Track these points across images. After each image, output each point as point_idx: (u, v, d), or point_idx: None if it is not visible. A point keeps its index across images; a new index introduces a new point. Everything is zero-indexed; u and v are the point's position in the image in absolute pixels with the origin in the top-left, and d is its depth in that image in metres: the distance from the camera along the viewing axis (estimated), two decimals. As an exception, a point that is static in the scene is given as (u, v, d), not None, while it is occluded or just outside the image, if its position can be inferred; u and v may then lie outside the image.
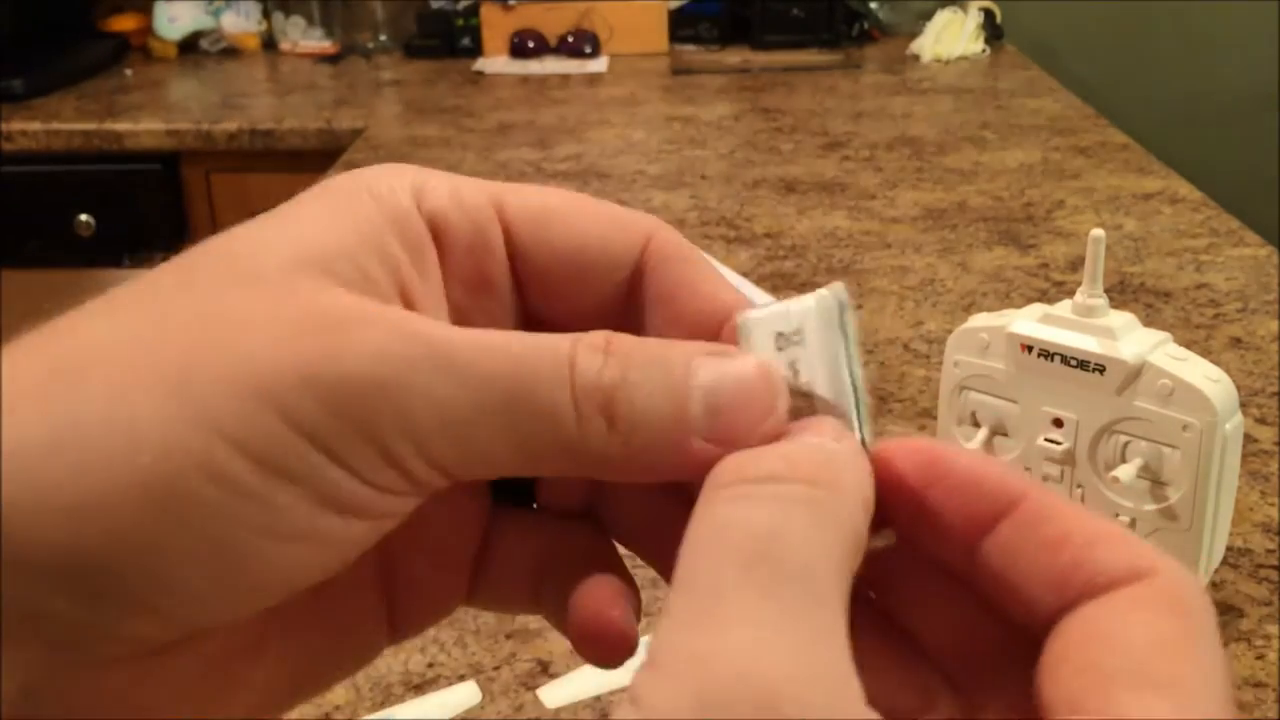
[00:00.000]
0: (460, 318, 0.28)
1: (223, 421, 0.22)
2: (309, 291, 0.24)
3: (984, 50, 2.11)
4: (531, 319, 0.29)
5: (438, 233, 0.27)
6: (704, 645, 0.20)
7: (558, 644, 0.66)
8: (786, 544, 0.21)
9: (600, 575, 0.29)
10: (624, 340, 0.25)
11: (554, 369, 0.24)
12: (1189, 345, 0.74)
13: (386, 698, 0.64)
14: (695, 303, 0.28)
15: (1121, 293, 1.11)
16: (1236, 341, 1.00)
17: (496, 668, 0.66)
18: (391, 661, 0.66)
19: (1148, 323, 0.68)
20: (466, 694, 0.64)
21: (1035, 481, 0.25)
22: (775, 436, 0.25)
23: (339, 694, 0.65)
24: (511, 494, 0.31)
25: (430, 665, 0.66)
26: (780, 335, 0.26)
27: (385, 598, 0.29)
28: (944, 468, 0.25)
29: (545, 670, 0.65)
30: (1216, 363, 0.62)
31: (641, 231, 0.29)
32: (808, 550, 0.21)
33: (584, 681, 0.64)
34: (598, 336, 0.25)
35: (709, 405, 0.25)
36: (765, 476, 0.23)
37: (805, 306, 0.26)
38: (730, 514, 0.22)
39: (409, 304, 0.26)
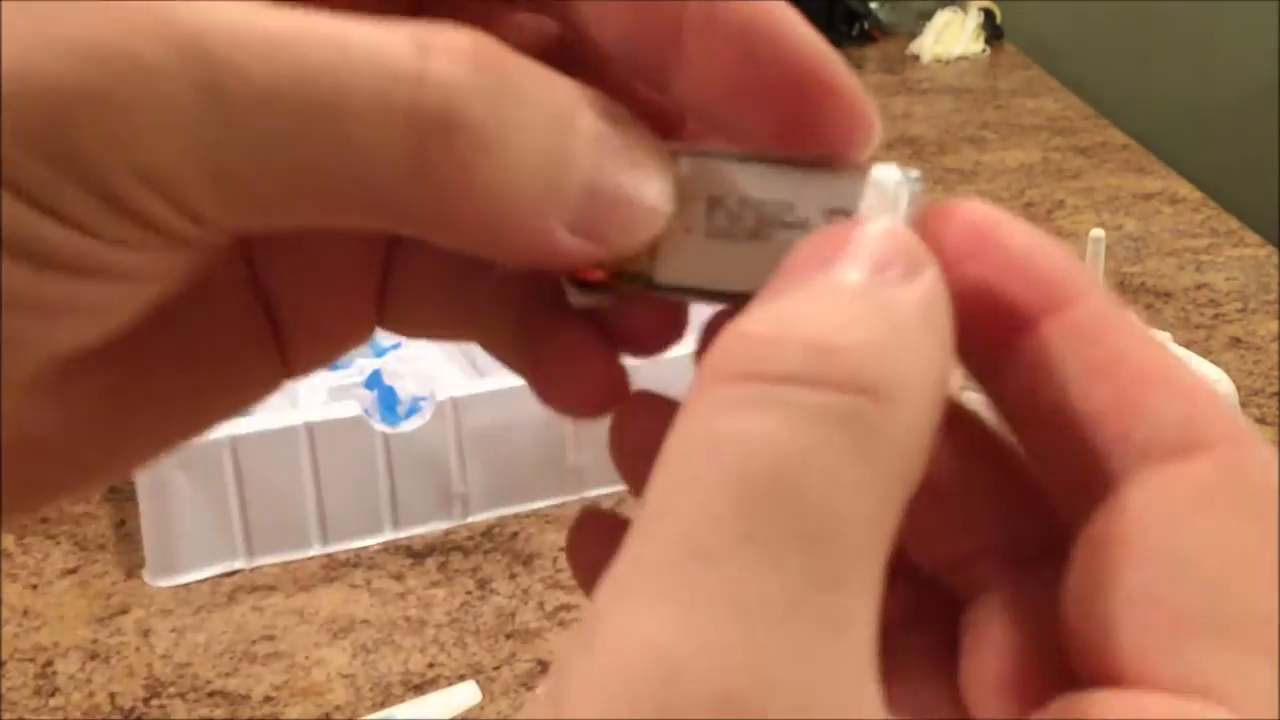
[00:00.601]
0: None
1: None
2: None
3: (984, 50, 2.11)
4: None
5: None
6: (662, 628, 0.14)
7: (558, 644, 0.66)
8: (805, 486, 0.15)
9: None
10: (500, 55, 0.18)
11: (383, 83, 0.17)
12: (1189, 345, 0.74)
13: (386, 698, 0.64)
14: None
15: (1121, 293, 1.11)
16: (1236, 341, 1.00)
17: (496, 668, 0.66)
18: (391, 662, 0.66)
19: (1148, 323, 0.68)
20: (466, 694, 0.64)
21: (1101, 285, 0.19)
22: (646, 244, 0.19)
23: (338, 694, 0.65)
24: None
25: (430, 665, 0.66)
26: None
27: (271, 328, 0.23)
28: (994, 239, 0.19)
29: (545, 670, 0.65)
30: (1216, 363, 0.62)
31: None
32: (836, 498, 0.15)
33: (584, 681, 0.64)
34: (462, 39, 0.17)
35: (593, 186, 0.18)
36: (788, 377, 0.16)
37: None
38: (729, 428, 0.15)
39: None
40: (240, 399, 0.23)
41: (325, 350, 0.24)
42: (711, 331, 0.22)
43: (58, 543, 0.77)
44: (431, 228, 0.18)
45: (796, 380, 0.16)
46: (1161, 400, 0.17)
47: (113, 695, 0.66)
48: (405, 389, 0.77)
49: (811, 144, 0.20)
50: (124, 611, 0.71)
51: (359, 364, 0.82)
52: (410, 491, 0.76)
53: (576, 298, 0.22)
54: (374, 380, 0.79)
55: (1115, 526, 0.17)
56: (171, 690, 0.66)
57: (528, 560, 0.74)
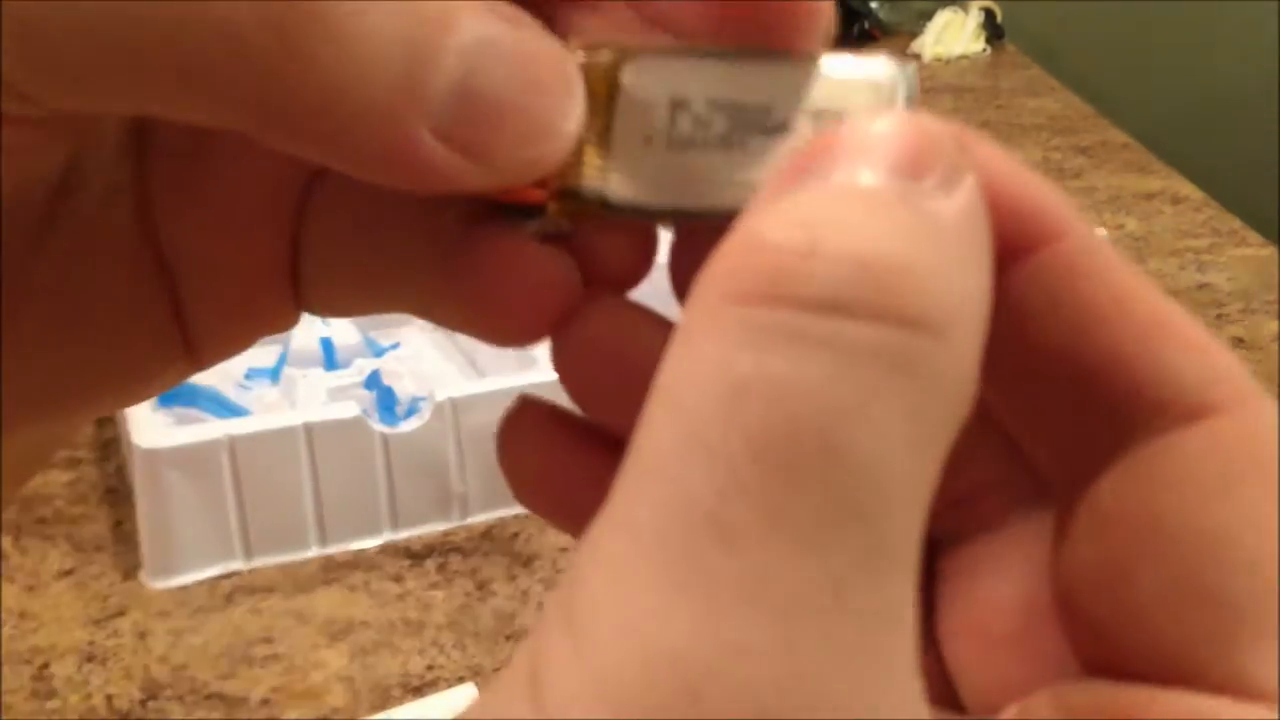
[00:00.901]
0: None
1: None
2: None
3: (985, 50, 2.10)
4: None
5: None
6: (676, 629, 0.12)
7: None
8: (853, 450, 0.12)
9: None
10: None
11: None
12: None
13: (385, 700, 0.64)
14: None
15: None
16: (1239, 342, 1.00)
17: (496, 670, 0.65)
18: (390, 664, 0.66)
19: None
20: (466, 697, 0.64)
21: (1090, 227, 0.16)
22: (546, 165, 0.17)
23: (337, 697, 0.64)
24: None
25: (429, 668, 0.66)
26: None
27: (170, 301, 0.21)
28: (980, 164, 0.15)
29: (545, 672, 0.65)
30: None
31: None
32: (886, 465, 0.12)
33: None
34: None
35: (460, 87, 0.16)
36: (830, 303, 0.13)
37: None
38: (755, 368, 0.13)
39: None
40: (136, 376, 0.21)
41: (234, 331, 0.21)
42: (681, 255, 0.19)
43: (54, 544, 0.76)
44: (273, 125, 0.16)
45: (840, 307, 0.13)
46: (1177, 353, 0.15)
47: (110, 698, 0.66)
48: (404, 389, 0.77)
49: (753, 31, 0.17)
50: (121, 613, 0.71)
51: (358, 364, 0.81)
52: (409, 492, 0.76)
53: (518, 225, 0.19)
54: (373, 381, 0.78)
55: (1134, 500, 0.15)
56: (169, 693, 0.66)
57: (527, 561, 0.74)
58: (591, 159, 0.18)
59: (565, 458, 0.20)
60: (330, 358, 0.83)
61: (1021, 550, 0.17)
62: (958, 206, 0.14)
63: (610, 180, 0.18)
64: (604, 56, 0.18)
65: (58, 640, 0.69)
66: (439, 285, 0.20)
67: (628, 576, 0.12)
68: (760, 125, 0.17)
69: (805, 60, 0.17)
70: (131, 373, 0.21)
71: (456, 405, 0.75)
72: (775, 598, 0.12)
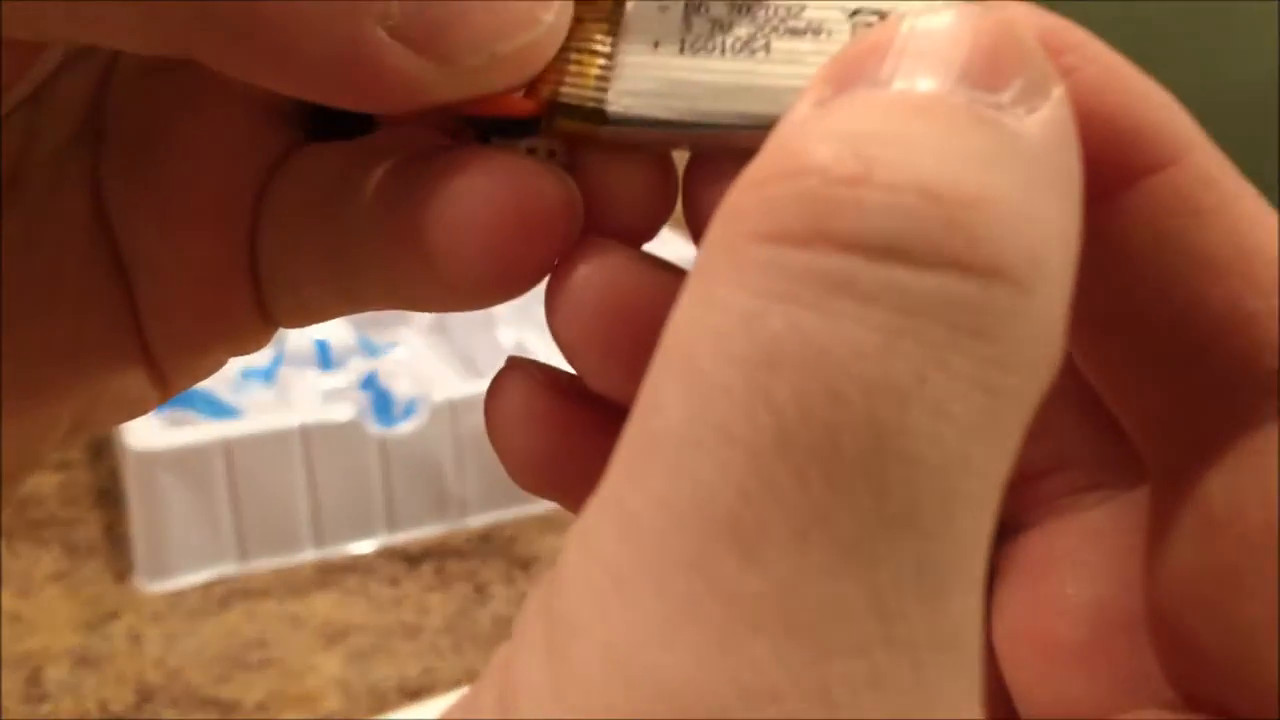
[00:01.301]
0: None
1: None
2: None
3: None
4: None
5: None
6: (683, 666, 0.09)
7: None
8: (914, 440, 0.10)
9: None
10: None
11: None
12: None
13: (381, 705, 0.63)
14: None
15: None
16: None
17: (494, 675, 0.65)
18: (387, 669, 0.66)
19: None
20: (463, 702, 0.63)
21: (1206, 142, 0.13)
22: (524, 67, 0.14)
23: (332, 702, 0.64)
24: (341, 122, 0.19)
25: (426, 672, 0.66)
26: None
27: (130, 314, 0.19)
28: (1070, 67, 0.13)
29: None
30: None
31: None
32: (954, 460, 0.10)
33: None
34: None
35: None
36: (888, 246, 0.10)
37: None
38: (788, 331, 0.10)
39: None
40: (97, 390, 0.19)
41: (197, 345, 0.19)
42: (698, 184, 0.16)
43: (46, 547, 0.76)
44: (220, 41, 0.14)
45: (898, 251, 0.10)
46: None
47: (103, 702, 0.65)
48: (401, 390, 0.76)
49: None
50: (114, 617, 0.70)
51: (354, 366, 0.81)
52: (406, 495, 0.75)
53: (504, 147, 0.17)
54: (369, 382, 0.78)
55: (1254, 501, 0.12)
56: (162, 697, 0.65)
57: (526, 565, 0.73)
58: (590, 66, 0.15)
59: (564, 427, 0.17)
60: (326, 358, 0.82)
61: (1100, 543, 0.14)
62: (1043, 125, 0.11)
63: (612, 91, 0.15)
64: None
65: (50, 644, 0.69)
66: (413, 240, 0.17)
67: (620, 585, 0.10)
68: (789, 25, 0.15)
69: None
70: (90, 384, 0.19)
71: (454, 406, 0.74)
72: (807, 626, 0.09)
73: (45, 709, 0.65)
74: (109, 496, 0.79)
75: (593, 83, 0.15)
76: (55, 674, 0.67)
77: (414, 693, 0.64)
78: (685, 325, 0.11)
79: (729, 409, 0.10)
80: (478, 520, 0.77)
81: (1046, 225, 0.11)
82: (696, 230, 0.16)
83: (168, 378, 0.20)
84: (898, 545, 0.10)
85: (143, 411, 0.20)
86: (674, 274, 0.16)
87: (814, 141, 0.11)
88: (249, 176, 0.19)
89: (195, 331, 0.19)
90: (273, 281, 0.19)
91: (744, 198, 0.11)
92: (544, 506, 0.77)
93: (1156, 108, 0.13)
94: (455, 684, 0.64)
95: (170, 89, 0.19)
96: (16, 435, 0.18)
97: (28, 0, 0.14)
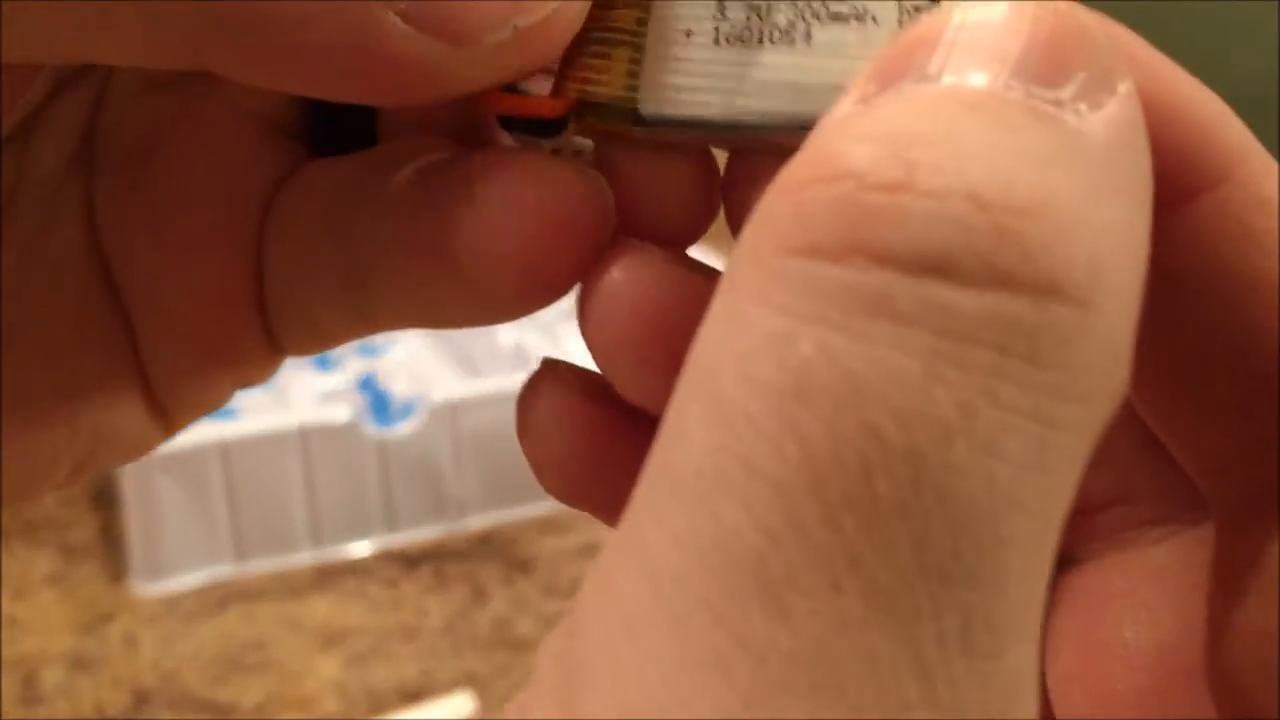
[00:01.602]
0: None
1: None
2: None
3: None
4: None
5: None
6: (687, 717, 0.09)
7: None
8: (961, 482, 0.09)
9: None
10: None
11: None
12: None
13: (379, 708, 0.63)
14: None
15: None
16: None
17: (492, 677, 0.65)
18: (384, 671, 0.65)
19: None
20: (461, 704, 0.63)
21: (1259, 153, 0.12)
22: (545, 47, 0.13)
23: (330, 704, 0.64)
24: (342, 136, 0.18)
25: (424, 675, 0.65)
26: None
27: (129, 347, 0.18)
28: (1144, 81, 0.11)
29: (542, 680, 0.64)
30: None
31: None
32: (1005, 503, 0.09)
33: (582, 691, 0.63)
34: None
35: None
36: (933, 261, 0.09)
37: None
38: (815, 350, 0.09)
39: None
40: (97, 429, 0.18)
41: (201, 378, 0.19)
42: (738, 184, 0.15)
43: (42, 549, 0.76)
44: (227, 43, 0.13)
45: (944, 266, 0.09)
46: None
47: (99, 705, 0.65)
48: (399, 391, 0.76)
49: None
50: (110, 619, 0.70)
51: (352, 366, 0.80)
52: (404, 496, 0.75)
53: (529, 147, 0.16)
54: (367, 383, 0.77)
55: None
56: (159, 700, 0.65)
57: (525, 566, 0.73)
58: (619, 60, 0.14)
59: (599, 435, 0.16)
60: (323, 358, 0.82)
61: (1161, 583, 0.13)
62: (1108, 122, 0.10)
63: (643, 88, 0.14)
64: None
65: (46, 646, 0.69)
66: (437, 251, 0.16)
67: (639, 635, 0.09)
68: (831, 9, 0.14)
69: None
70: (89, 421, 0.18)
71: (452, 407, 0.74)
72: (840, 687, 0.08)
73: (41, 712, 0.65)
74: (105, 498, 0.78)
75: (623, 79, 0.14)
76: (51, 676, 0.67)
77: (412, 695, 0.64)
78: (711, 345, 0.10)
79: (754, 441, 0.09)
80: (476, 522, 0.76)
81: (1111, 233, 0.10)
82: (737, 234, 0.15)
83: (170, 413, 0.19)
84: (941, 598, 0.09)
85: (145, 450, 0.19)
86: (714, 279, 0.15)
87: (852, 142, 0.10)
88: (251, 194, 0.18)
89: (198, 363, 0.18)
90: (281, 306, 0.18)
91: (776, 204, 0.10)
92: (543, 508, 0.77)
93: (1208, 116, 0.12)
94: (453, 686, 0.64)
95: (165, 108, 0.18)
96: (15, 475, 0.17)
97: (31, 18, 0.13)
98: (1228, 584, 0.12)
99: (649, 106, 0.14)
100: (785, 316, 0.09)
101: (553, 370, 0.17)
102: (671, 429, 0.10)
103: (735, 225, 0.15)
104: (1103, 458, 0.12)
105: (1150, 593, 0.13)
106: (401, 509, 0.75)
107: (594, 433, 0.16)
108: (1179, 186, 0.12)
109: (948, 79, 0.10)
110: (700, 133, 0.15)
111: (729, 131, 0.14)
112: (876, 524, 0.09)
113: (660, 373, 0.15)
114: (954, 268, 0.09)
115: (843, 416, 0.09)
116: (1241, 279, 0.12)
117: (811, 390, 0.09)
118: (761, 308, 0.09)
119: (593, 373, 0.16)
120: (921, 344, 0.09)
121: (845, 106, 0.10)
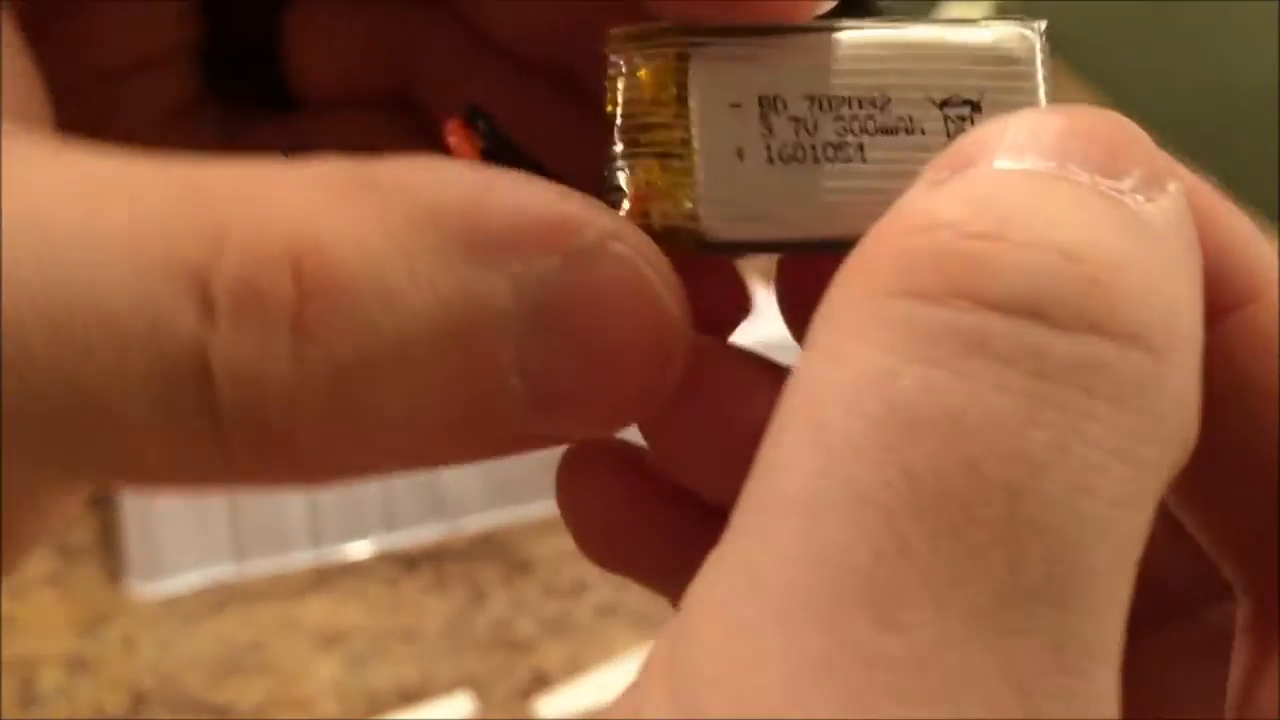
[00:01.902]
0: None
1: None
2: None
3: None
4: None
5: None
6: (802, 713, 0.09)
7: (555, 655, 0.65)
8: (1054, 512, 0.09)
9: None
10: (327, 266, 0.12)
11: (151, 376, 0.12)
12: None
13: (378, 709, 0.63)
14: None
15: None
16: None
17: (492, 678, 0.65)
18: (383, 672, 0.65)
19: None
20: (460, 706, 0.63)
21: None
22: (660, 392, 0.13)
23: (329, 706, 0.64)
24: (247, 79, 0.17)
25: (423, 676, 0.65)
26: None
27: None
28: None
29: (542, 681, 0.64)
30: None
31: None
32: (1093, 531, 0.10)
33: (582, 693, 0.63)
34: (262, 272, 0.12)
35: (536, 388, 0.13)
36: (1027, 305, 0.10)
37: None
38: (917, 386, 0.10)
39: None
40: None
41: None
42: (793, 292, 0.15)
43: (40, 550, 0.75)
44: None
45: (1039, 311, 0.10)
46: None
47: (97, 707, 0.65)
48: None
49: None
50: (108, 620, 0.70)
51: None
52: (403, 497, 0.75)
53: None
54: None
55: None
56: (157, 702, 0.65)
57: (525, 567, 0.73)
58: (678, 187, 0.14)
59: (637, 505, 0.17)
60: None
61: (1189, 670, 0.14)
62: (1164, 213, 0.11)
63: (703, 212, 0.14)
64: (664, 48, 0.14)
65: (44, 648, 0.69)
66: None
67: (752, 641, 0.10)
68: (879, 122, 0.14)
69: (904, 29, 0.14)
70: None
71: (452, 407, 0.74)
72: (944, 696, 0.09)
73: (39, 713, 0.65)
74: (104, 499, 0.78)
75: (685, 206, 0.14)
76: (49, 678, 0.67)
77: (411, 695, 0.64)
78: (812, 382, 0.10)
79: (861, 469, 0.10)
80: (476, 522, 0.76)
81: (1179, 298, 0.11)
82: (793, 321, 0.15)
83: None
84: (1035, 618, 0.09)
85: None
86: (759, 364, 0.16)
87: (944, 199, 0.10)
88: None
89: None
90: None
91: (873, 253, 0.11)
92: (543, 508, 0.77)
93: (1240, 238, 0.13)
94: (453, 686, 0.64)
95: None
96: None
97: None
98: (1252, 675, 0.13)
99: (714, 233, 0.14)
100: (889, 354, 0.10)
101: (591, 443, 0.17)
102: (770, 459, 0.10)
103: (790, 310, 0.16)
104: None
105: (1176, 678, 0.14)
106: (401, 509, 0.75)
107: (633, 504, 0.17)
108: (1214, 303, 0.12)
109: (1021, 165, 0.11)
110: (764, 251, 0.15)
111: (794, 250, 0.15)
112: (975, 550, 0.09)
113: (716, 464, 0.15)
114: (1048, 312, 0.10)
115: (944, 451, 0.09)
116: (1267, 394, 0.13)
117: (915, 424, 0.10)
118: (864, 346, 0.10)
119: (628, 444, 0.17)
120: (1018, 384, 0.10)
121: (918, 191, 0.11)
